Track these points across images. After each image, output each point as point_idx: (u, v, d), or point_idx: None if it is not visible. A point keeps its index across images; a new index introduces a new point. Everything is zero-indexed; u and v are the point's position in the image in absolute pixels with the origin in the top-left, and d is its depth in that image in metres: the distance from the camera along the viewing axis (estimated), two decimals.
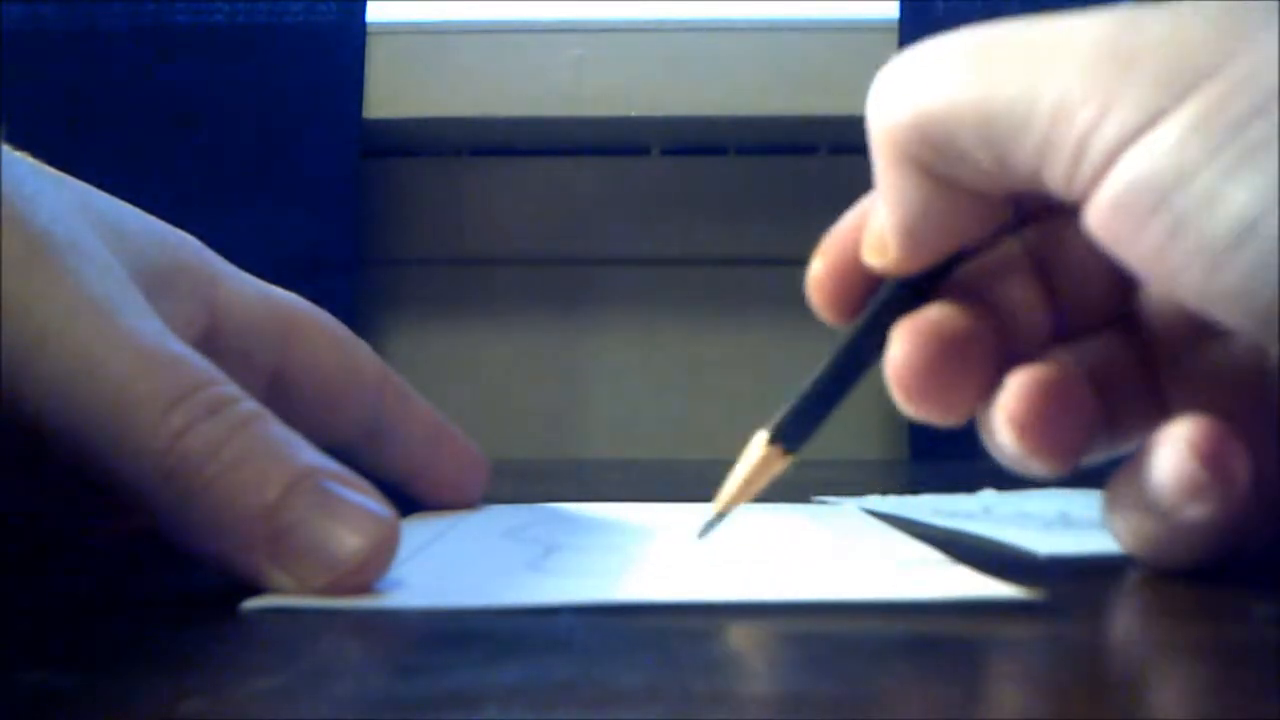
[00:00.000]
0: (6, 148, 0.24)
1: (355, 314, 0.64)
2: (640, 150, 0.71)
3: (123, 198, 0.27)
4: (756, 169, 0.70)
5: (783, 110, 0.65)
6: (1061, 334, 0.25)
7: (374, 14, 0.66)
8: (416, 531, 0.28)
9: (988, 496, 0.38)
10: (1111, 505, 0.24)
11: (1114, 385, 0.25)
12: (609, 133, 0.68)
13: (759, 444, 0.25)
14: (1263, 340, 0.21)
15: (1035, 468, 0.23)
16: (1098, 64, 0.20)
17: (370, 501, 0.21)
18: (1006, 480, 0.29)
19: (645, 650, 0.18)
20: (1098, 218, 0.21)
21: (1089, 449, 0.24)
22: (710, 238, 0.71)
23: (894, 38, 0.64)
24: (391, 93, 0.66)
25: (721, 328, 0.71)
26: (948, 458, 0.58)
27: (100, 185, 0.26)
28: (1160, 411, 0.25)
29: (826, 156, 0.70)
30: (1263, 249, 0.19)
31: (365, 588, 0.21)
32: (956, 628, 0.19)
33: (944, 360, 0.24)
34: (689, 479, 0.51)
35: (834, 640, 0.19)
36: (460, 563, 0.25)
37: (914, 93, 0.22)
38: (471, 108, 0.66)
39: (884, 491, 0.39)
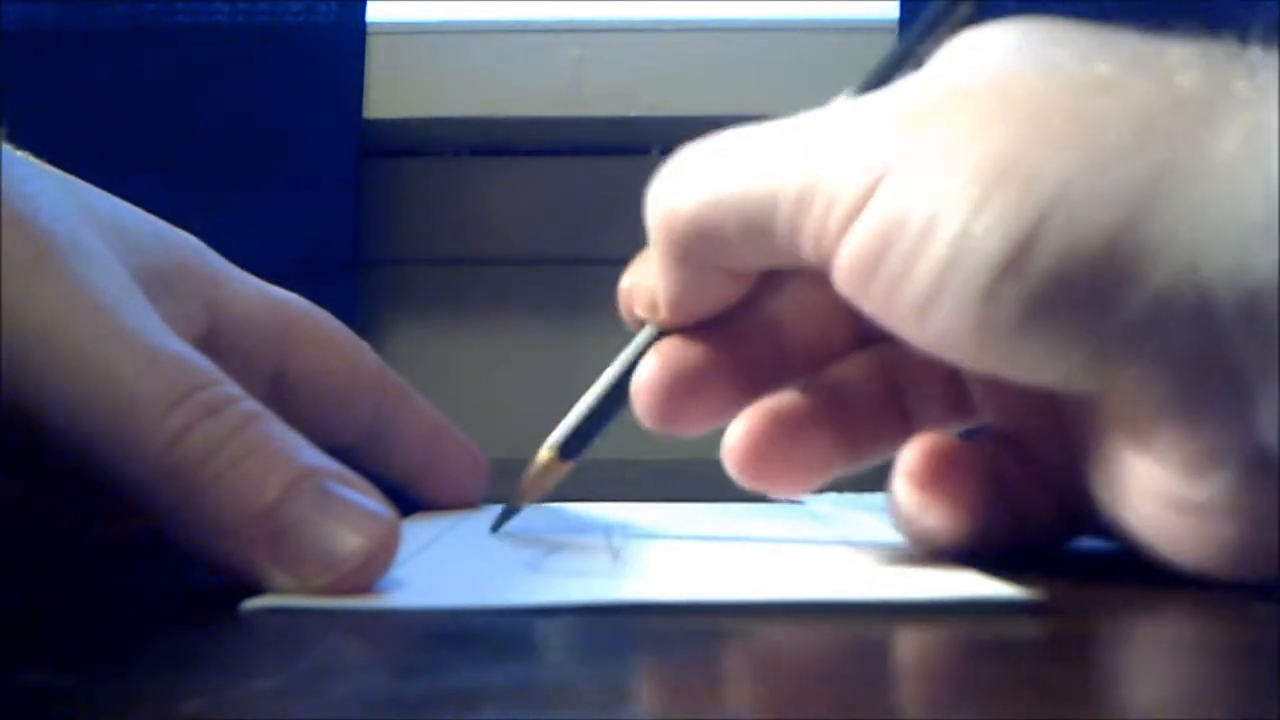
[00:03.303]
0: (6, 148, 0.24)
1: (355, 314, 0.64)
2: (640, 150, 0.71)
3: (123, 198, 0.27)
4: None
5: (782, 110, 0.65)
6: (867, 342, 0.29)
7: (374, 14, 0.66)
8: (417, 531, 0.28)
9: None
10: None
11: (915, 386, 0.28)
12: (609, 133, 0.68)
13: (543, 455, 0.29)
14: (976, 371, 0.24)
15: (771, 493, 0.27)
16: (819, 161, 0.24)
17: (370, 501, 0.21)
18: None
19: (645, 650, 0.18)
20: (838, 278, 0.24)
21: (820, 475, 0.28)
22: None
23: (894, 38, 0.64)
24: (391, 93, 0.66)
25: None
26: None
27: (100, 185, 0.26)
28: (961, 407, 0.28)
29: None
30: (956, 299, 0.22)
31: (365, 588, 0.21)
32: (956, 628, 0.19)
33: (684, 382, 0.27)
34: (689, 479, 0.50)
35: (834, 640, 0.19)
36: (460, 563, 0.25)
37: (680, 196, 0.26)
38: (471, 108, 0.66)
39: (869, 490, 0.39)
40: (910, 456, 0.25)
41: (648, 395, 0.28)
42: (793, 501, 0.37)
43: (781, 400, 0.28)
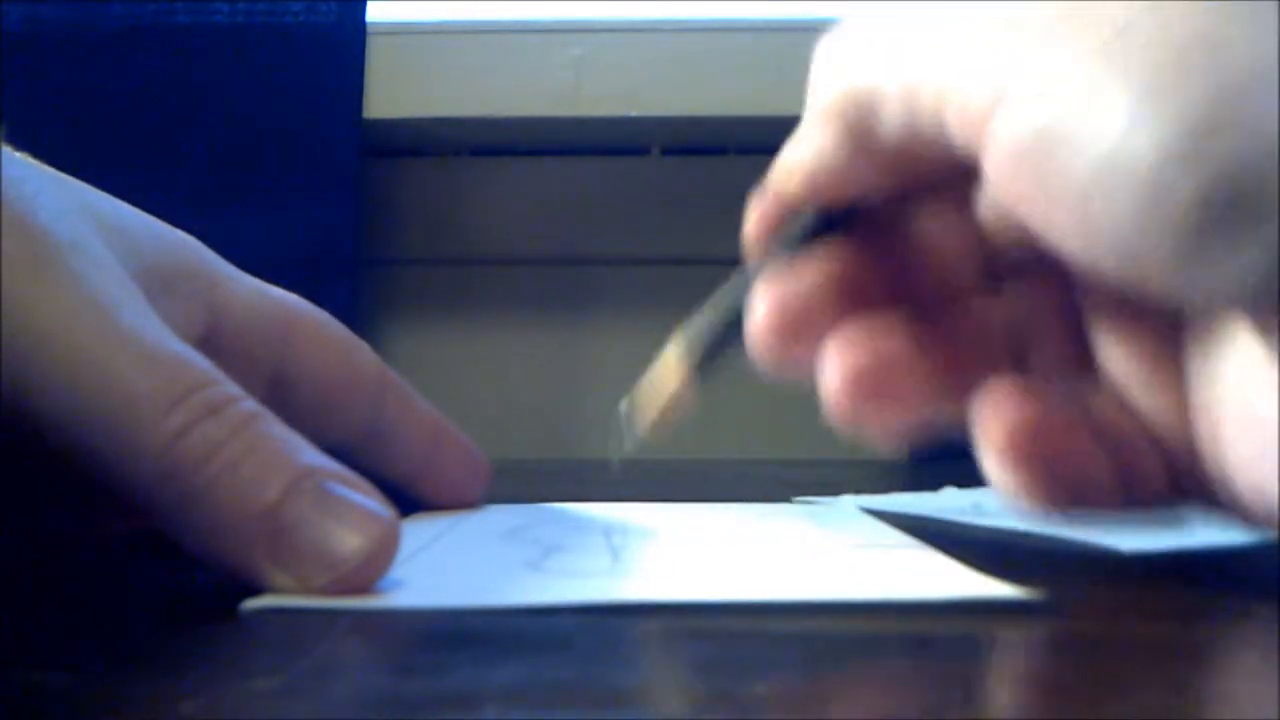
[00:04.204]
0: (6, 148, 0.24)
1: (355, 314, 0.64)
2: (640, 150, 0.70)
3: (123, 198, 0.27)
4: (756, 169, 0.70)
5: (782, 110, 0.65)
6: (998, 278, 0.27)
7: (374, 14, 0.66)
8: (417, 531, 0.28)
9: (956, 494, 0.38)
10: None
11: (1035, 334, 0.26)
12: (609, 133, 0.68)
13: (672, 363, 0.28)
14: (1141, 289, 0.22)
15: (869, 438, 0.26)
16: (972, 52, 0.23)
17: (371, 501, 0.21)
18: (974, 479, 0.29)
19: (645, 650, 0.18)
20: (990, 172, 0.22)
21: (917, 418, 0.26)
22: (710, 238, 0.71)
23: None
24: (391, 93, 0.66)
25: None
26: (948, 458, 0.57)
27: (100, 185, 0.26)
28: (1082, 359, 0.26)
29: None
30: (1121, 189, 0.20)
31: (365, 588, 0.21)
32: (956, 628, 0.19)
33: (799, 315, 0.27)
34: (689, 479, 0.50)
35: (833, 640, 0.19)
36: (460, 563, 0.25)
37: (853, 68, 0.25)
38: (471, 108, 0.66)
39: (877, 492, 0.39)
40: (1000, 429, 0.24)
41: (763, 334, 0.27)
42: (802, 502, 0.37)
43: (885, 336, 0.26)
